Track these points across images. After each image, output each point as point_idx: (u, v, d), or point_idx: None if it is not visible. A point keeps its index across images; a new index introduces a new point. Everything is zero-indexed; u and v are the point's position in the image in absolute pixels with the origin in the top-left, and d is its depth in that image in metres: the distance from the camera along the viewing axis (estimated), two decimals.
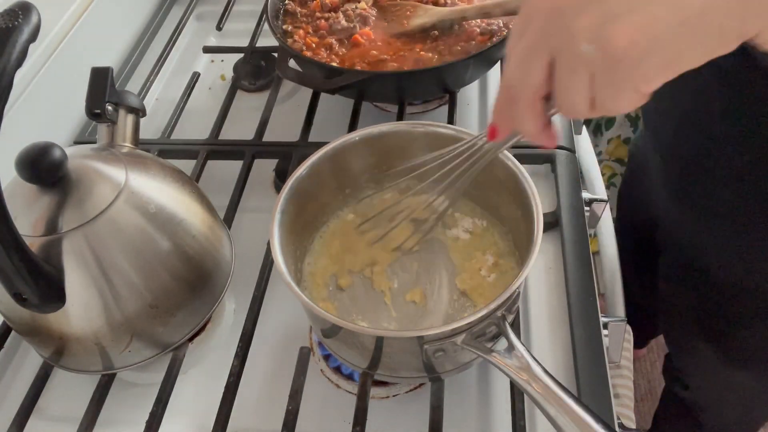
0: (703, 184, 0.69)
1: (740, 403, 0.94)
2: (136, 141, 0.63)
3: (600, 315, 0.61)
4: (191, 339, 0.60)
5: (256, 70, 0.92)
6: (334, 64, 0.76)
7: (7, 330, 0.64)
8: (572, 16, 0.31)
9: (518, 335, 0.50)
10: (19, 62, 0.44)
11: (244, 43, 0.94)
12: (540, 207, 0.53)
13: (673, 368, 0.98)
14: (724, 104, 0.62)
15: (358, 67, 0.75)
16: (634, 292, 0.89)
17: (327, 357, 0.62)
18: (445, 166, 0.52)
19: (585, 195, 0.73)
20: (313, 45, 0.79)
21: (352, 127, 0.76)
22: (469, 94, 0.87)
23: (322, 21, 0.81)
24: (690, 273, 0.77)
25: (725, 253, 0.69)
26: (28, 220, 0.51)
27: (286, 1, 0.85)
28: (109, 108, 0.59)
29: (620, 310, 0.72)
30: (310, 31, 0.81)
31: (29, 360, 0.67)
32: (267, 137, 0.79)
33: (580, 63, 0.32)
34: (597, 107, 0.34)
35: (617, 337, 0.67)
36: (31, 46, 0.45)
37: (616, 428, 0.57)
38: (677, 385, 1.03)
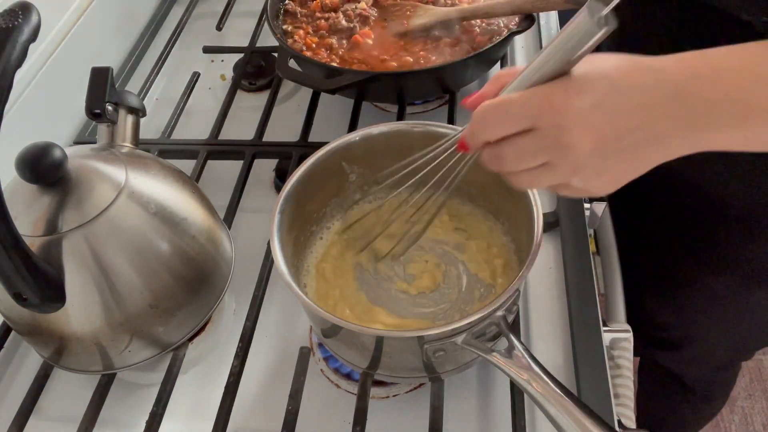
0: None
1: (734, 336, 0.91)
2: (136, 141, 0.63)
3: (600, 315, 0.61)
4: (191, 339, 0.60)
5: (256, 70, 0.92)
6: (334, 64, 0.76)
7: (7, 330, 0.64)
8: (583, 162, 0.41)
9: (518, 335, 0.50)
10: (19, 62, 0.44)
11: (244, 43, 0.94)
12: (540, 207, 0.53)
13: (653, 329, 0.96)
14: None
15: (358, 67, 0.75)
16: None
17: (327, 357, 0.62)
18: (431, 166, 0.53)
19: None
20: (313, 45, 0.79)
21: (352, 127, 0.76)
22: (469, 95, 0.87)
23: (322, 21, 0.81)
24: (691, 203, 0.76)
25: (726, 176, 0.68)
26: (28, 220, 0.51)
27: (286, 1, 0.85)
28: (109, 108, 0.59)
29: (620, 310, 0.72)
30: (310, 31, 0.81)
31: (29, 360, 0.67)
32: (267, 137, 0.79)
33: (562, 182, 0.43)
34: (552, 191, 0.47)
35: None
36: (31, 46, 0.44)
37: (616, 428, 0.57)
38: (656, 351, 1.01)
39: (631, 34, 0.69)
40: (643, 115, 0.39)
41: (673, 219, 0.80)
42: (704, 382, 1.06)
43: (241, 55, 0.93)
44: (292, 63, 0.77)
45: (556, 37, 0.39)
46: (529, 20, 0.74)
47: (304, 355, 0.58)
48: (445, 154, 0.51)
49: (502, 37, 0.74)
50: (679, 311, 0.90)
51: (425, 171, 0.52)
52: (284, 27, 0.83)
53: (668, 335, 0.97)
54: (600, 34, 0.37)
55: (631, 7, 0.67)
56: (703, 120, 0.39)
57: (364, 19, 0.81)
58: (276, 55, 0.80)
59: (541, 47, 0.89)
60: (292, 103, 0.90)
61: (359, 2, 0.83)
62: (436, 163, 0.52)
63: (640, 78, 0.40)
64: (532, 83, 0.41)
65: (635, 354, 0.70)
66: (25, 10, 0.45)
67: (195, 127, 0.85)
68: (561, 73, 0.40)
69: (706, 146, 0.41)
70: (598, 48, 0.40)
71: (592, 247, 0.67)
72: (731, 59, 0.40)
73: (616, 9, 0.36)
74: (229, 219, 0.69)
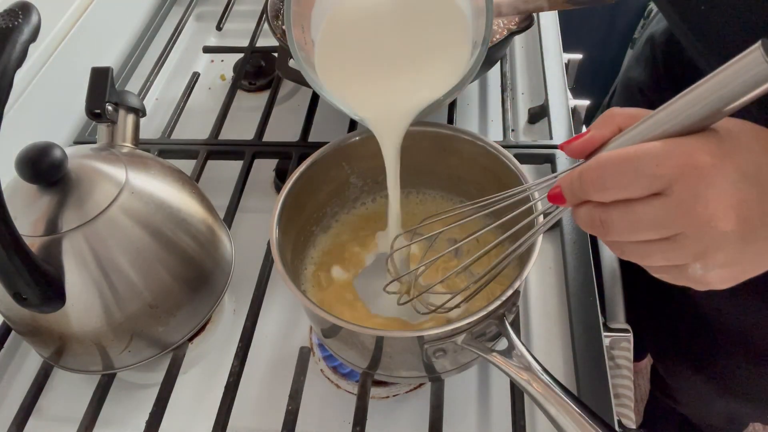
0: None
1: (724, 413, 0.95)
2: (136, 141, 0.63)
3: (600, 315, 0.61)
4: (191, 339, 0.60)
5: (256, 70, 0.92)
6: None
7: (7, 330, 0.64)
8: (716, 246, 0.33)
9: (518, 335, 0.50)
10: (19, 62, 0.44)
11: (244, 43, 0.94)
12: (540, 207, 0.52)
13: (661, 381, 0.98)
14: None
15: None
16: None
17: (327, 357, 0.62)
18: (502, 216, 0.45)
19: None
20: None
21: (352, 127, 0.76)
22: (469, 94, 0.87)
23: None
24: (680, 312, 0.77)
25: (712, 296, 0.69)
26: (28, 220, 0.51)
27: None
28: (109, 108, 0.59)
29: (620, 310, 0.72)
30: None
31: (29, 360, 0.67)
32: (267, 137, 0.79)
33: (680, 263, 0.35)
34: (652, 272, 0.38)
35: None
36: (31, 46, 0.44)
37: (616, 428, 0.57)
38: (665, 397, 1.03)
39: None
40: None
41: (667, 313, 0.81)
42: (711, 428, 1.07)
43: (241, 55, 0.93)
44: (292, 63, 0.77)
45: (711, 77, 0.31)
46: (529, 20, 0.74)
47: (304, 355, 0.58)
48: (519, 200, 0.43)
49: (502, 37, 0.74)
50: (674, 380, 0.92)
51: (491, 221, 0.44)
52: (284, 27, 0.82)
53: (671, 391, 0.98)
54: None
55: None
56: None
57: None
58: (276, 55, 0.80)
59: (540, 47, 0.89)
60: (292, 103, 0.90)
61: None
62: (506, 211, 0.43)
63: None
64: (665, 134, 0.33)
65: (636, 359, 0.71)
66: (25, 10, 0.45)
67: (195, 127, 0.85)
68: (703, 127, 0.33)
69: None
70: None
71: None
72: None
73: None
74: (229, 219, 0.69)
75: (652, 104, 0.35)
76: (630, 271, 0.75)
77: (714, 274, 0.35)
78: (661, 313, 0.81)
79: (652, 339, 0.85)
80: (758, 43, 0.29)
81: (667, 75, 0.67)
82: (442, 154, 0.61)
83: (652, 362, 1.02)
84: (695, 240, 0.33)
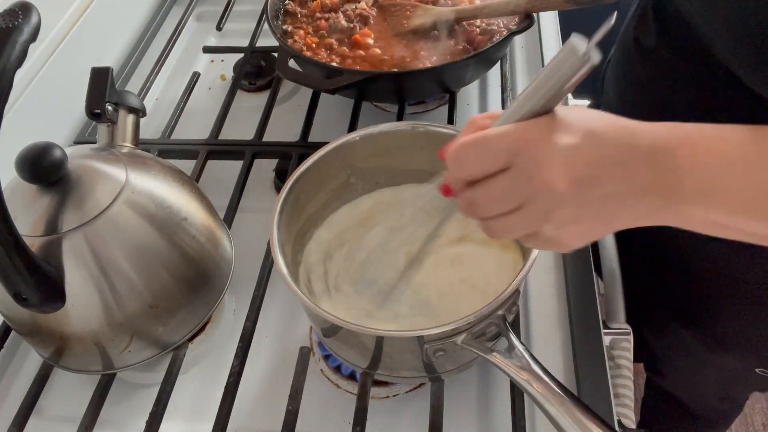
0: None
1: (718, 383, 0.95)
2: (136, 141, 0.63)
3: (600, 315, 0.61)
4: (191, 339, 0.60)
5: (256, 70, 0.92)
6: (334, 64, 0.76)
7: (7, 330, 0.64)
8: (557, 206, 0.39)
9: (518, 335, 0.50)
10: (19, 62, 0.44)
11: (244, 43, 0.94)
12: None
13: (650, 356, 0.98)
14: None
15: (358, 67, 0.75)
16: None
17: (327, 357, 0.62)
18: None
19: None
20: (313, 45, 0.79)
21: (352, 127, 0.76)
22: (469, 94, 0.87)
23: (322, 21, 0.81)
24: (668, 261, 0.77)
25: (700, 242, 0.69)
26: (28, 220, 0.51)
27: (286, 1, 0.85)
28: (109, 108, 0.60)
29: (620, 310, 0.72)
30: (310, 31, 0.81)
31: (29, 360, 0.67)
32: (267, 137, 0.79)
33: (534, 229, 0.41)
34: (521, 242, 0.45)
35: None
36: (31, 46, 0.45)
37: (616, 428, 0.57)
38: (656, 376, 1.03)
39: (639, 74, 0.71)
40: (617, 170, 0.39)
41: (651, 265, 0.81)
42: (706, 409, 1.07)
43: (241, 55, 0.93)
44: (292, 63, 0.77)
45: (539, 74, 0.39)
46: (528, 20, 0.74)
47: (304, 355, 0.58)
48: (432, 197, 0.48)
49: (502, 37, 0.74)
50: (664, 347, 0.92)
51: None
52: (284, 27, 0.83)
53: (661, 365, 0.98)
54: (584, 69, 0.37)
55: (654, 64, 0.69)
56: (668, 189, 0.39)
57: (364, 19, 0.81)
58: (276, 55, 0.80)
59: (540, 47, 0.89)
60: (292, 103, 0.90)
61: (359, 2, 0.83)
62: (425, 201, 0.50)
63: (617, 134, 0.39)
64: (515, 122, 0.40)
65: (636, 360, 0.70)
66: (25, 10, 0.45)
67: (195, 127, 0.85)
68: (544, 112, 0.39)
69: (675, 220, 0.41)
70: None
71: None
72: (708, 135, 0.40)
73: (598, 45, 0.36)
74: (229, 219, 0.69)
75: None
76: (630, 271, 0.76)
77: (564, 232, 0.41)
78: (649, 268, 0.81)
79: (639, 297, 0.85)
80: (570, 39, 0.36)
81: (657, 23, 0.68)
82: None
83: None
84: (539, 203, 0.39)
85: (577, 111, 0.40)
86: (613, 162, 0.39)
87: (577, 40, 0.36)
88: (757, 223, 0.40)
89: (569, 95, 0.70)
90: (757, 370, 0.80)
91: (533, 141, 0.39)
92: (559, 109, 0.40)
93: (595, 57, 0.36)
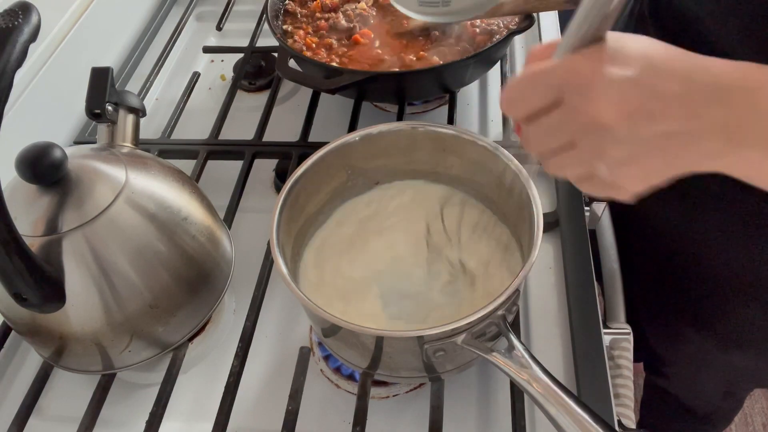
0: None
1: (723, 381, 0.94)
2: (136, 141, 0.63)
3: (600, 315, 0.61)
4: (191, 339, 0.60)
5: (256, 70, 0.92)
6: (334, 64, 0.76)
7: (7, 330, 0.64)
8: (609, 143, 0.37)
9: (518, 335, 0.50)
10: (19, 62, 0.44)
11: (244, 43, 0.94)
12: (540, 207, 0.53)
13: (652, 357, 0.98)
14: None
15: (358, 67, 0.75)
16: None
17: (327, 357, 0.62)
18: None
19: (585, 194, 0.73)
20: (313, 45, 0.79)
21: (352, 127, 0.76)
22: (469, 94, 0.87)
23: (322, 21, 0.81)
24: (676, 260, 0.77)
25: (712, 240, 0.69)
26: (28, 220, 0.51)
27: (286, 1, 0.85)
28: (109, 108, 0.59)
29: (620, 310, 0.72)
30: (310, 31, 0.81)
31: (29, 360, 0.67)
32: (267, 137, 0.79)
33: (589, 168, 0.39)
34: (578, 186, 0.42)
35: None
36: (31, 46, 0.44)
37: (616, 428, 0.57)
38: (656, 376, 1.03)
39: None
40: (680, 105, 0.35)
41: (657, 264, 0.81)
42: (707, 408, 1.07)
43: (241, 55, 0.93)
44: (292, 63, 0.77)
45: (581, 3, 0.36)
46: (529, 20, 0.74)
47: (304, 355, 0.58)
48: None
49: (502, 37, 0.74)
50: (668, 347, 0.91)
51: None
52: (284, 27, 0.83)
53: (662, 365, 0.98)
54: None
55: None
56: (744, 130, 0.35)
57: (364, 19, 0.81)
58: (276, 55, 0.80)
59: None
60: (292, 103, 0.90)
61: (359, 2, 0.83)
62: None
63: (683, 67, 0.36)
64: (568, 53, 0.37)
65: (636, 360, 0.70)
66: (25, 10, 0.45)
67: (195, 127, 0.85)
68: (597, 39, 0.37)
69: (741, 167, 0.37)
70: None
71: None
72: None
73: None
74: (229, 219, 0.69)
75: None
76: (630, 271, 0.76)
77: (621, 173, 0.38)
78: (649, 268, 0.81)
79: (639, 297, 0.85)
80: None
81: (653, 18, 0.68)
82: (442, 154, 0.61)
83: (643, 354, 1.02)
84: (590, 140, 0.37)
85: (636, 39, 0.37)
86: (676, 97, 0.35)
87: None
88: None
89: None
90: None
91: (582, 73, 0.36)
92: (615, 37, 0.37)
93: None
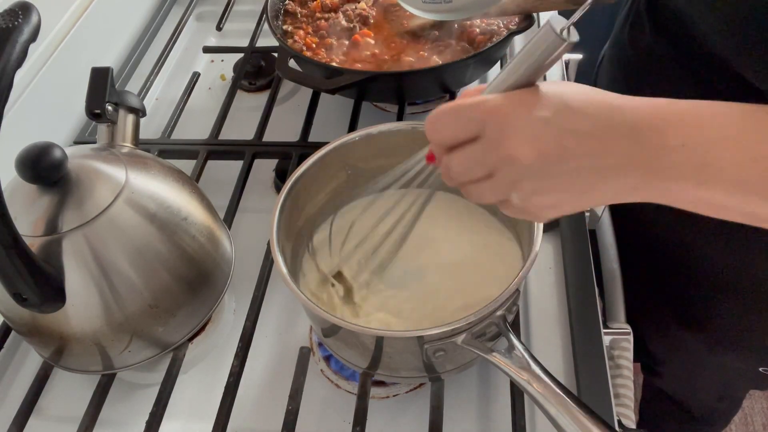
0: None
1: (718, 383, 0.95)
2: (136, 141, 0.63)
3: (600, 315, 0.61)
4: (191, 339, 0.60)
5: (256, 70, 0.92)
6: (334, 64, 0.76)
7: (7, 330, 0.64)
8: (521, 176, 0.40)
9: (518, 335, 0.50)
10: (19, 62, 0.44)
11: (244, 43, 0.94)
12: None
13: (648, 357, 0.98)
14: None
15: (358, 67, 0.75)
16: None
17: (327, 357, 0.62)
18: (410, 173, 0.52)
19: None
20: (313, 45, 0.79)
21: (352, 127, 0.76)
22: None
23: (322, 21, 0.81)
24: (667, 261, 0.77)
25: (705, 241, 0.69)
26: (28, 220, 0.51)
27: (286, 1, 0.85)
28: (109, 108, 0.59)
29: (620, 310, 0.72)
30: (310, 31, 0.81)
31: (29, 360, 0.67)
32: (267, 137, 0.79)
33: (503, 197, 0.43)
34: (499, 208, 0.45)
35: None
36: (31, 46, 0.44)
37: (616, 428, 0.57)
38: (654, 377, 1.03)
39: (634, 72, 0.72)
40: (592, 144, 0.38)
41: (651, 265, 0.81)
42: (705, 409, 1.07)
43: (241, 55, 0.93)
44: (292, 63, 0.77)
45: (521, 51, 0.39)
46: (528, 20, 0.74)
47: (304, 355, 0.58)
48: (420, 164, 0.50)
49: (502, 37, 0.74)
50: (663, 348, 0.92)
51: (403, 177, 0.52)
52: (284, 27, 0.83)
53: (659, 366, 0.98)
54: (561, 48, 0.38)
55: (636, 49, 0.69)
56: (655, 164, 0.38)
57: (364, 19, 0.81)
58: (276, 55, 0.80)
59: None
60: (292, 103, 0.90)
61: (359, 2, 0.83)
62: (414, 170, 0.51)
63: (597, 108, 0.39)
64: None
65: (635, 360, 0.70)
66: (25, 10, 0.45)
67: (195, 127, 0.85)
68: (526, 86, 0.40)
69: (660, 197, 0.40)
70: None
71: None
72: (699, 113, 0.38)
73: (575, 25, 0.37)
74: (229, 219, 0.69)
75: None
76: (630, 271, 0.76)
77: (532, 203, 0.42)
78: (649, 268, 0.81)
79: (639, 297, 0.85)
80: (548, 19, 0.38)
81: (651, 22, 0.68)
82: None
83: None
84: (506, 172, 0.40)
85: (557, 85, 0.40)
86: (587, 136, 0.38)
87: (556, 21, 0.37)
88: (757, 201, 0.38)
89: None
90: (760, 369, 0.80)
91: (503, 112, 0.39)
92: (540, 84, 0.40)
93: (573, 37, 0.38)
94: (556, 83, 0.41)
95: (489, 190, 0.43)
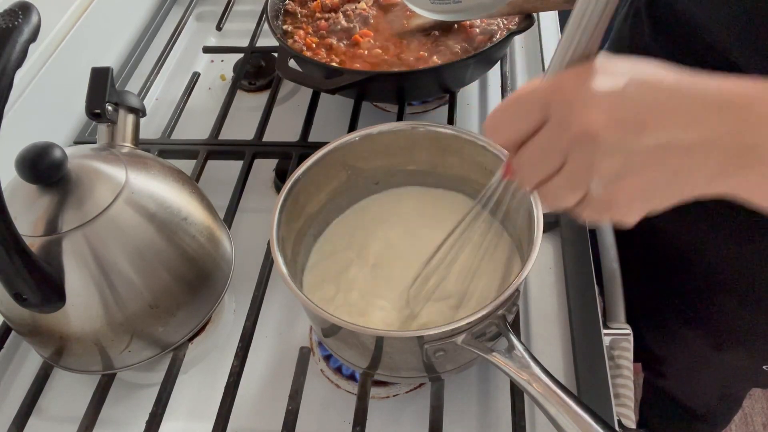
0: None
1: (720, 381, 0.95)
2: (136, 141, 0.63)
3: (600, 315, 0.61)
4: (191, 339, 0.60)
5: (256, 70, 0.92)
6: (334, 64, 0.76)
7: (7, 330, 0.64)
8: (600, 155, 0.34)
9: (518, 335, 0.50)
10: (19, 62, 0.44)
11: (244, 43, 0.94)
12: (540, 207, 0.53)
13: (649, 357, 0.98)
14: None
15: (358, 67, 0.75)
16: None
17: (327, 357, 0.62)
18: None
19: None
20: (313, 45, 0.79)
21: (352, 127, 0.76)
22: (469, 94, 0.87)
23: (322, 21, 0.81)
24: (670, 260, 0.77)
25: (706, 240, 0.69)
26: (28, 220, 0.51)
27: (286, 1, 0.85)
28: (109, 108, 0.59)
29: (620, 310, 0.72)
30: (310, 31, 0.81)
31: (29, 360, 0.67)
32: (267, 137, 0.79)
33: (583, 187, 0.36)
34: (573, 214, 0.39)
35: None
36: (31, 46, 0.44)
37: (616, 428, 0.57)
38: (655, 376, 1.03)
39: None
40: (677, 116, 0.33)
41: (652, 264, 0.81)
42: (706, 408, 1.07)
43: (241, 55, 0.93)
44: (292, 63, 0.77)
45: (569, 20, 0.36)
46: (529, 20, 0.74)
47: (304, 355, 0.58)
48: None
49: (502, 37, 0.74)
50: (664, 348, 0.92)
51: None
52: (284, 27, 0.83)
53: (660, 365, 0.98)
54: None
55: (627, 41, 0.69)
56: (745, 145, 0.33)
57: (364, 19, 0.81)
58: (276, 55, 0.80)
59: (540, 47, 0.89)
60: (292, 103, 0.90)
61: (359, 2, 0.83)
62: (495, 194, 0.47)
63: (676, 80, 0.34)
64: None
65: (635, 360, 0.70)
66: (25, 10, 0.45)
67: (195, 127, 0.85)
68: (584, 60, 0.36)
69: (752, 185, 0.35)
70: None
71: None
72: None
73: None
74: (229, 219, 0.69)
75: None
76: (630, 271, 0.76)
77: (617, 189, 0.35)
78: (649, 268, 0.81)
79: (639, 297, 0.85)
80: None
81: (651, 22, 0.68)
82: (441, 154, 0.61)
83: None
84: (581, 154, 0.35)
85: (624, 59, 0.36)
86: (668, 108, 0.34)
87: None
88: None
89: None
90: (764, 366, 0.80)
91: (567, 87, 0.35)
92: (602, 58, 0.36)
93: None
94: (620, 57, 0.36)
95: (565, 183, 0.37)
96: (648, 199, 0.36)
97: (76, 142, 0.83)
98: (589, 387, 0.56)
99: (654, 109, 0.34)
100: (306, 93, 0.85)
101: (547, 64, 0.83)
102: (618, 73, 0.35)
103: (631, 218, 0.37)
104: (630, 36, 0.71)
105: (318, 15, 0.83)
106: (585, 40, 0.35)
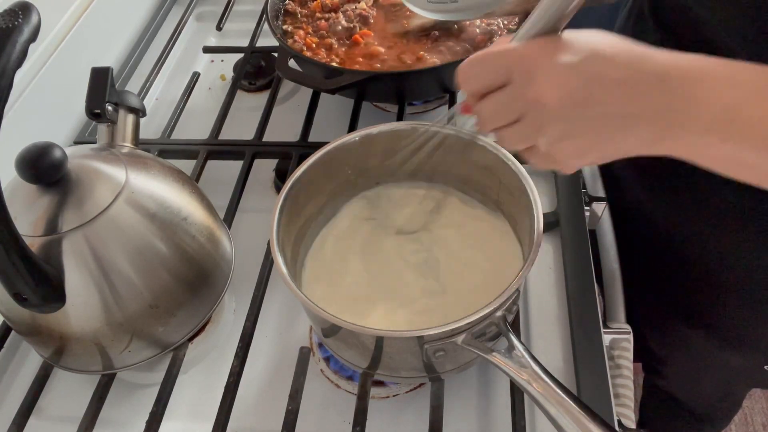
0: (678, 173, 0.68)
1: (721, 382, 0.95)
2: (136, 141, 0.63)
3: (600, 315, 0.61)
4: (191, 339, 0.60)
5: (256, 70, 0.92)
6: (334, 64, 0.76)
7: (7, 330, 0.64)
8: (548, 120, 0.41)
9: (518, 335, 0.50)
10: (19, 62, 0.44)
11: (244, 43, 0.94)
12: (540, 207, 0.53)
13: (650, 357, 0.98)
14: None
15: (358, 67, 0.75)
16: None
17: (327, 357, 0.62)
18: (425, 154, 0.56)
19: (585, 194, 0.73)
20: (313, 45, 0.79)
21: (352, 127, 0.76)
22: None
23: (323, 21, 0.81)
24: (672, 259, 0.77)
25: (707, 239, 0.69)
26: (28, 220, 0.51)
27: (286, 1, 0.85)
28: (109, 108, 0.59)
29: (620, 310, 0.72)
30: (310, 31, 0.81)
31: (29, 360, 0.67)
32: (267, 137, 0.79)
33: (531, 142, 0.44)
34: (526, 159, 0.47)
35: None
36: (31, 46, 0.44)
37: (616, 428, 0.57)
38: (655, 377, 1.03)
39: None
40: (620, 91, 0.38)
41: (652, 264, 0.81)
42: (706, 408, 1.07)
43: (241, 55, 0.93)
44: (292, 63, 0.77)
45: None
46: None
47: (304, 355, 0.58)
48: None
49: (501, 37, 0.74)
50: (664, 348, 0.92)
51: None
52: (284, 27, 0.83)
53: (661, 366, 0.98)
54: None
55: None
56: (681, 116, 0.38)
57: (364, 19, 0.81)
58: (276, 55, 0.80)
59: None
60: (292, 103, 0.90)
61: (359, 2, 0.83)
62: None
63: (627, 56, 0.39)
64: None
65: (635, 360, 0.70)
66: (25, 10, 0.45)
67: (195, 127, 0.85)
68: (552, 32, 0.41)
69: (684, 150, 0.39)
70: None
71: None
72: (732, 70, 0.38)
73: None
74: (229, 219, 0.69)
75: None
76: (630, 271, 0.76)
77: (558, 148, 0.42)
78: (649, 268, 0.81)
79: (639, 297, 0.85)
80: None
81: (655, 19, 0.68)
82: (442, 154, 0.61)
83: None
84: (533, 116, 0.42)
85: (587, 33, 0.41)
86: (615, 83, 0.39)
87: None
88: None
89: None
90: (765, 367, 0.80)
91: (530, 58, 0.40)
92: (568, 32, 0.41)
93: None
94: (585, 32, 0.41)
95: (518, 134, 0.44)
96: (584, 157, 0.43)
97: (76, 142, 0.83)
98: (589, 387, 0.56)
99: (601, 84, 0.39)
100: (306, 93, 0.85)
101: None
102: (576, 47, 0.40)
103: (569, 170, 0.45)
104: (633, 36, 0.71)
105: (318, 15, 0.83)
106: (555, 19, 0.40)
